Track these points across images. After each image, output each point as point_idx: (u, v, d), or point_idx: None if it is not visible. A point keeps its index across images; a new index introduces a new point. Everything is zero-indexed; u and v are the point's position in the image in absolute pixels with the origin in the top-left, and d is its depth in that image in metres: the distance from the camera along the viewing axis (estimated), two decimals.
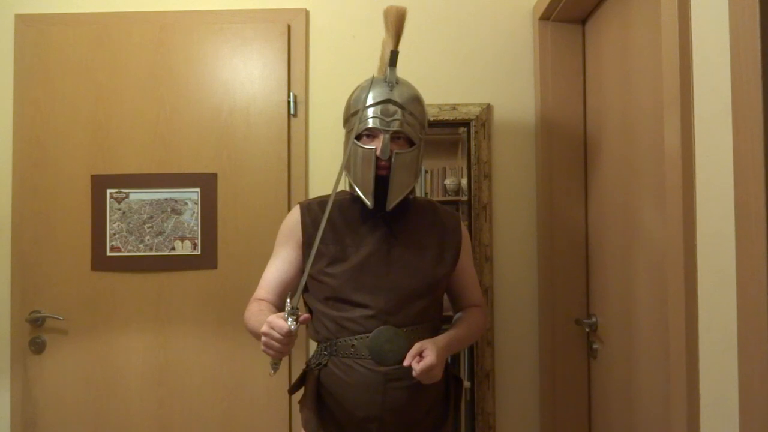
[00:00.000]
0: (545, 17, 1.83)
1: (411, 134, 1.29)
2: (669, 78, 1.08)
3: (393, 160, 1.27)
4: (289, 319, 1.08)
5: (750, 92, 0.84)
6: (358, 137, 1.30)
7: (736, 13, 0.88)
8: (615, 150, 1.59)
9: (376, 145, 1.27)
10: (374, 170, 1.27)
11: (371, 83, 1.32)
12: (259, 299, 1.35)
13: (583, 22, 1.83)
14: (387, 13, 1.36)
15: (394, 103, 1.28)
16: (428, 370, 1.17)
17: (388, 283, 1.29)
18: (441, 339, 1.28)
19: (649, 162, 1.38)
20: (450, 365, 1.42)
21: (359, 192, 1.30)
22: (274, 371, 1.15)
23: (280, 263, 1.38)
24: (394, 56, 1.32)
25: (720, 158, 0.94)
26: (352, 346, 1.27)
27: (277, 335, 1.08)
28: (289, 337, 1.08)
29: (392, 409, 1.25)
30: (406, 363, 1.18)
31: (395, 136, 1.28)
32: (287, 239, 1.39)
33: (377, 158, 1.26)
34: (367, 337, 1.26)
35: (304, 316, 1.13)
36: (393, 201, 1.29)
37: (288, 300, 1.11)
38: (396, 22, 1.35)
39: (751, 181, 0.84)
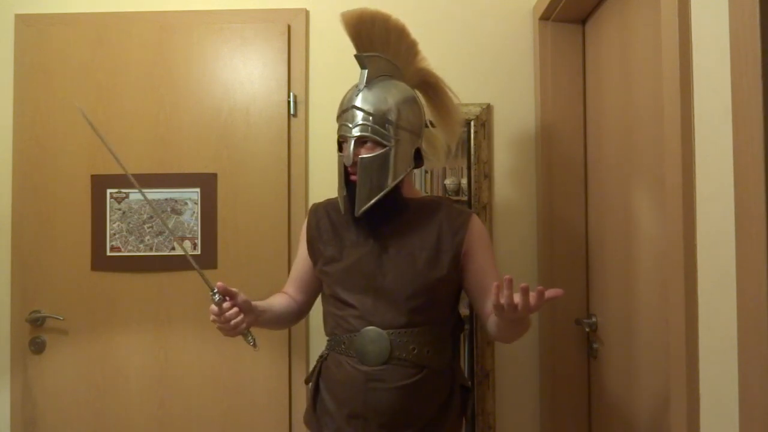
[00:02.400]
0: (545, 17, 1.83)
1: (376, 138, 1.28)
2: (669, 78, 1.08)
3: (358, 165, 1.28)
4: (216, 297, 1.20)
5: (750, 92, 0.84)
6: (340, 146, 1.34)
7: (736, 13, 0.88)
8: (615, 150, 1.59)
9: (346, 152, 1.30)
10: (344, 176, 1.32)
11: (348, 90, 1.35)
12: (282, 292, 1.48)
13: (583, 22, 1.83)
14: (342, 17, 1.36)
15: (358, 108, 1.29)
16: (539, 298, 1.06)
17: (375, 285, 1.30)
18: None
19: (649, 162, 1.38)
20: (459, 373, 1.40)
21: (339, 198, 1.36)
22: (253, 346, 1.27)
23: (297, 261, 1.50)
24: (358, 60, 1.33)
25: (720, 158, 0.94)
26: (343, 343, 1.31)
27: (215, 318, 1.20)
28: (221, 313, 1.19)
29: (375, 409, 1.26)
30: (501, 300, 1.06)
31: (361, 141, 1.29)
32: (301, 239, 1.48)
33: (345, 165, 1.30)
34: (355, 335, 1.29)
35: (219, 285, 1.20)
36: (361, 206, 1.29)
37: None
38: (348, 27, 1.36)
39: (751, 181, 0.84)
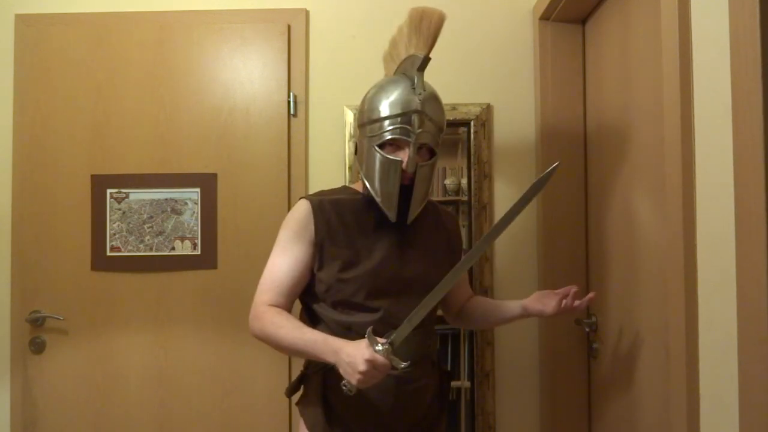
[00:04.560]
0: (545, 17, 1.83)
1: (434, 145, 1.28)
2: (669, 78, 1.08)
3: (417, 172, 1.25)
4: (399, 362, 1.07)
5: (750, 92, 0.84)
6: (381, 145, 1.25)
7: (736, 13, 0.88)
8: (615, 150, 1.59)
9: (401, 156, 1.24)
10: (399, 182, 1.24)
11: (394, 85, 1.28)
12: (272, 305, 1.24)
13: (583, 22, 1.83)
14: (425, 15, 1.32)
15: (423, 114, 1.24)
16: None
17: (398, 287, 1.28)
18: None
19: (649, 162, 1.38)
20: (440, 360, 1.45)
21: (380, 203, 1.26)
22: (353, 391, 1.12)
23: (293, 262, 1.27)
24: (425, 63, 1.27)
25: (720, 158, 0.94)
26: None
27: (381, 374, 1.06)
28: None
29: (402, 411, 1.26)
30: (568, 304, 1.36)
31: (418, 147, 1.24)
32: (298, 236, 1.28)
33: (403, 170, 1.23)
34: None
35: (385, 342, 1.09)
36: (414, 213, 1.28)
37: (378, 341, 1.07)
38: (435, 28, 1.32)
39: (751, 181, 0.84)
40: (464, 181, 1.95)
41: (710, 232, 0.98)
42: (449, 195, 2.03)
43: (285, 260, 1.27)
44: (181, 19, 1.93)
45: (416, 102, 1.24)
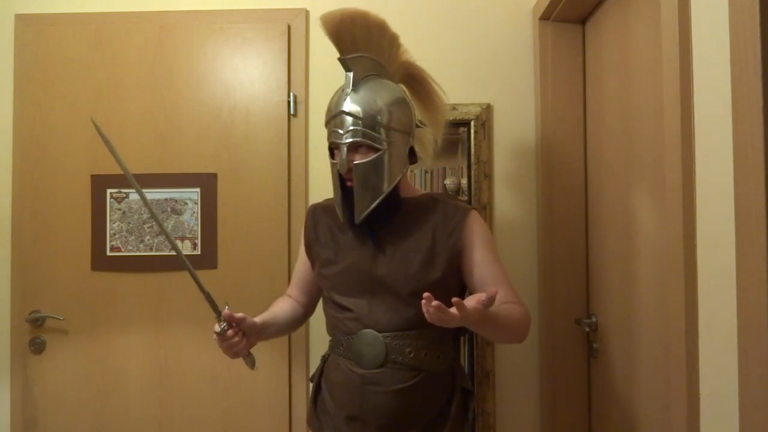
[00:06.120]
0: (545, 17, 1.83)
1: (369, 142, 1.24)
2: (669, 78, 1.08)
3: (354, 171, 1.25)
4: (223, 327, 1.24)
5: (750, 92, 0.84)
6: (332, 152, 1.32)
7: (736, 13, 0.88)
8: (615, 150, 1.59)
9: (338, 158, 1.27)
10: (339, 184, 1.29)
11: (335, 93, 1.32)
12: (286, 294, 1.51)
13: (583, 22, 1.83)
14: (321, 21, 1.31)
15: (347, 113, 1.25)
16: (439, 309, 1.01)
17: (370, 289, 1.28)
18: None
19: (649, 162, 1.38)
20: (461, 376, 1.37)
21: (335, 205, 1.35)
22: (251, 367, 1.30)
23: (298, 263, 1.50)
24: (342, 63, 1.28)
25: (720, 158, 0.94)
26: (342, 345, 1.32)
27: (215, 338, 1.24)
28: (221, 338, 1.24)
29: (372, 412, 1.25)
30: (424, 297, 1.02)
31: (354, 146, 1.25)
32: (301, 241, 1.48)
33: (339, 172, 1.27)
34: (353, 338, 1.29)
35: (225, 313, 1.23)
36: (360, 213, 1.26)
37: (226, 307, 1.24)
38: (329, 30, 1.31)
39: (751, 181, 0.84)
40: (464, 181, 1.95)
41: (710, 232, 0.98)
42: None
43: (298, 260, 1.51)
44: (181, 19, 1.93)
45: (342, 103, 1.27)
